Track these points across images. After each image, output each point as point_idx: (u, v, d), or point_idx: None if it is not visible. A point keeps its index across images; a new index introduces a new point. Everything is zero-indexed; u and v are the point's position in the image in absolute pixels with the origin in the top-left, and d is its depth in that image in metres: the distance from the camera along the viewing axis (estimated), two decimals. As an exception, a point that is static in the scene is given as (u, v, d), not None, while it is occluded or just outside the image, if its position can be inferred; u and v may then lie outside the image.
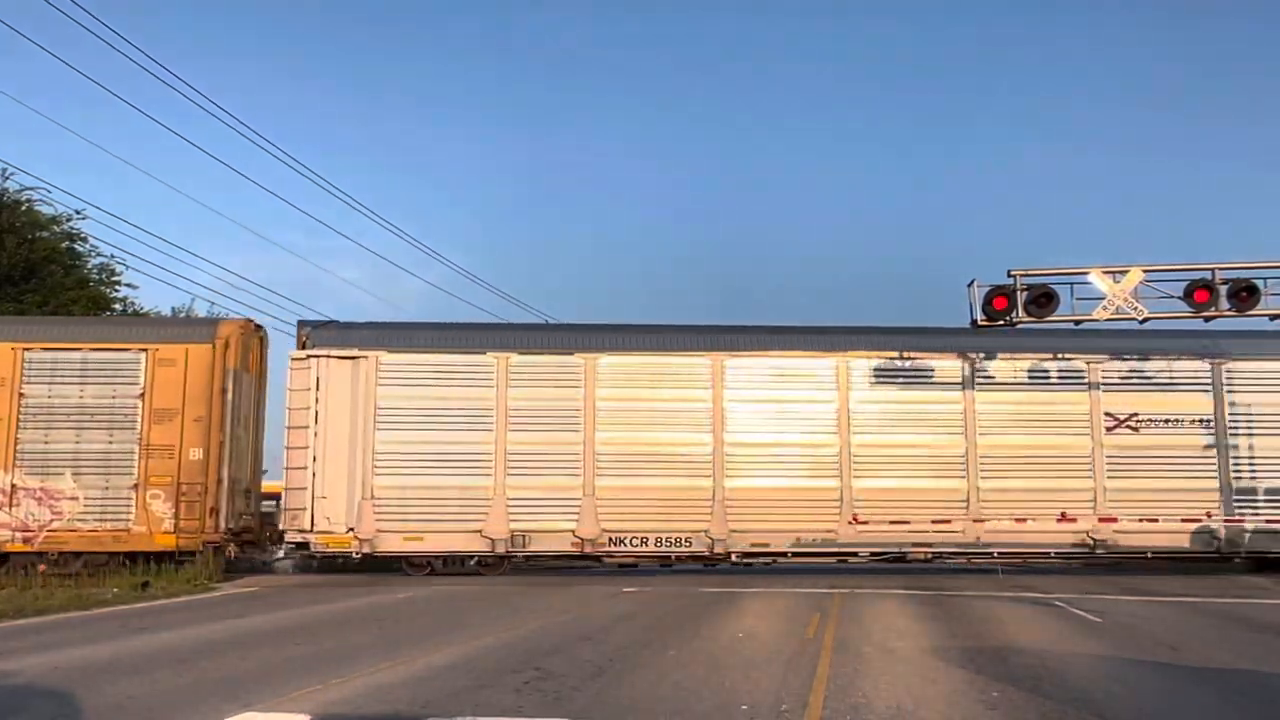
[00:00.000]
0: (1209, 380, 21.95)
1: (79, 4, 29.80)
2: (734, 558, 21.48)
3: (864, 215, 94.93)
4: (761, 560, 21.94)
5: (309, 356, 21.41)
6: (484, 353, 21.68)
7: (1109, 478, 21.55)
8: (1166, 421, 21.81)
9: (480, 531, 20.99)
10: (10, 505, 20.31)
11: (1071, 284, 20.31)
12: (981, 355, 22.08)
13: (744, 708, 7.37)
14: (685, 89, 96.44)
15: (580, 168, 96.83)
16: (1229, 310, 19.80)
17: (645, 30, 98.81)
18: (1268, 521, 21.39)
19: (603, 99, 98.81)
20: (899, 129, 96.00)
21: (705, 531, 21.13)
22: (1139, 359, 22.14)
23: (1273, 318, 20.33)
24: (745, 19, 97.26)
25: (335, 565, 23.66)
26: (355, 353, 21.47)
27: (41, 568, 19.32)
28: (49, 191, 37.48)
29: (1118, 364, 22.11)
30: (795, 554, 21.36)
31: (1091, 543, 21.28)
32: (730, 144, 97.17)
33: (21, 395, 20.74)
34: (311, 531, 20.78)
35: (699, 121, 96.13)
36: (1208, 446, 21.67)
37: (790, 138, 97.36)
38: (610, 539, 21.06)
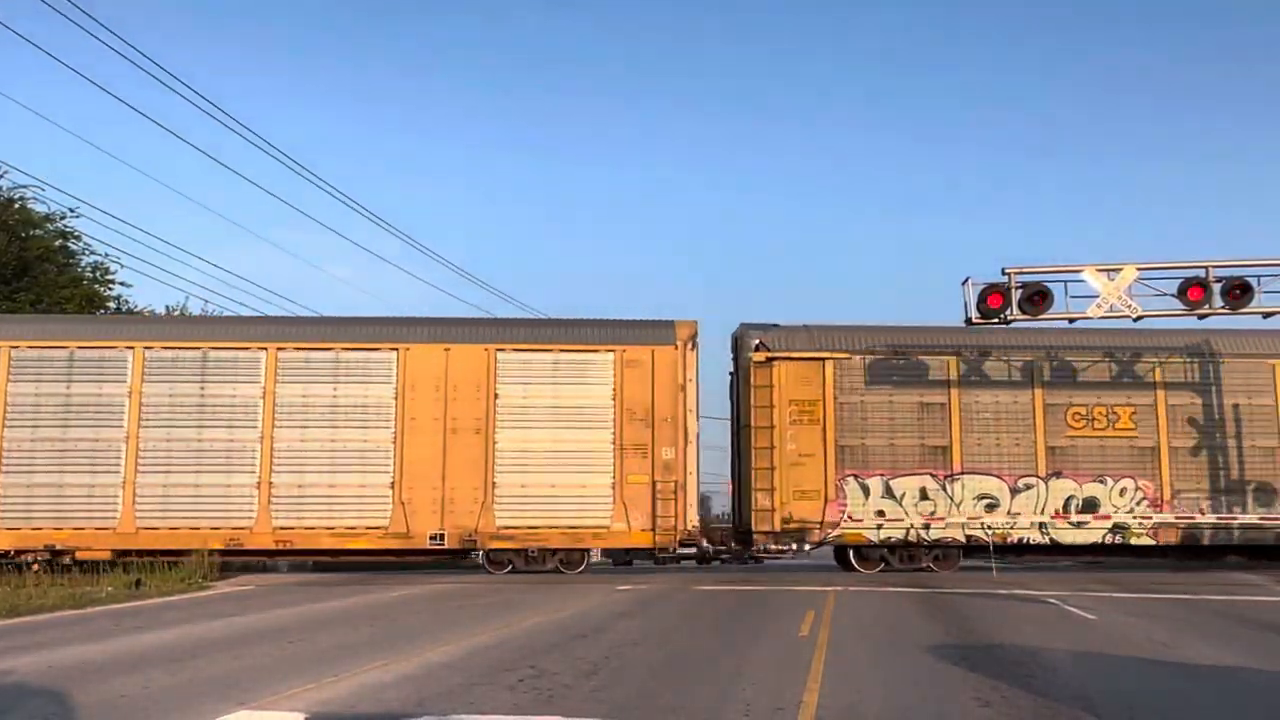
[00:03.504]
0: None
1: (73, 1, 29.73)
2: None
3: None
4: None
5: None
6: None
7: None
8: None
9: None
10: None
11: (1065, 282, 20.39)
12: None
13: (739, 706, 7.37)
14: (685, 88, 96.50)
15: (577, 166, 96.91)
16: (1223, 308, 19.87)
17: (645, 28, 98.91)
18: None
19: (603, 96, 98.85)
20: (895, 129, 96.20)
21: None
22: None
23: (1266, 315, 20.39)
24: (747, 19, 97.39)
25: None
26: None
27: (35, 566, 19.28)
28: (42, 189, 37.42)
29: None
30: None
31: None
32: (726, 146, 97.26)
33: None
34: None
35: (698, 120, 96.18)
36: None
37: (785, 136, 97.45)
38: None
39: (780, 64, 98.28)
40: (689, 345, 21.95)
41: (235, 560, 22.50)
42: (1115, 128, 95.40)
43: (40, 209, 31.09)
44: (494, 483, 21.28)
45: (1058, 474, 22.07)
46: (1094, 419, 22.29)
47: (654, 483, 21.24)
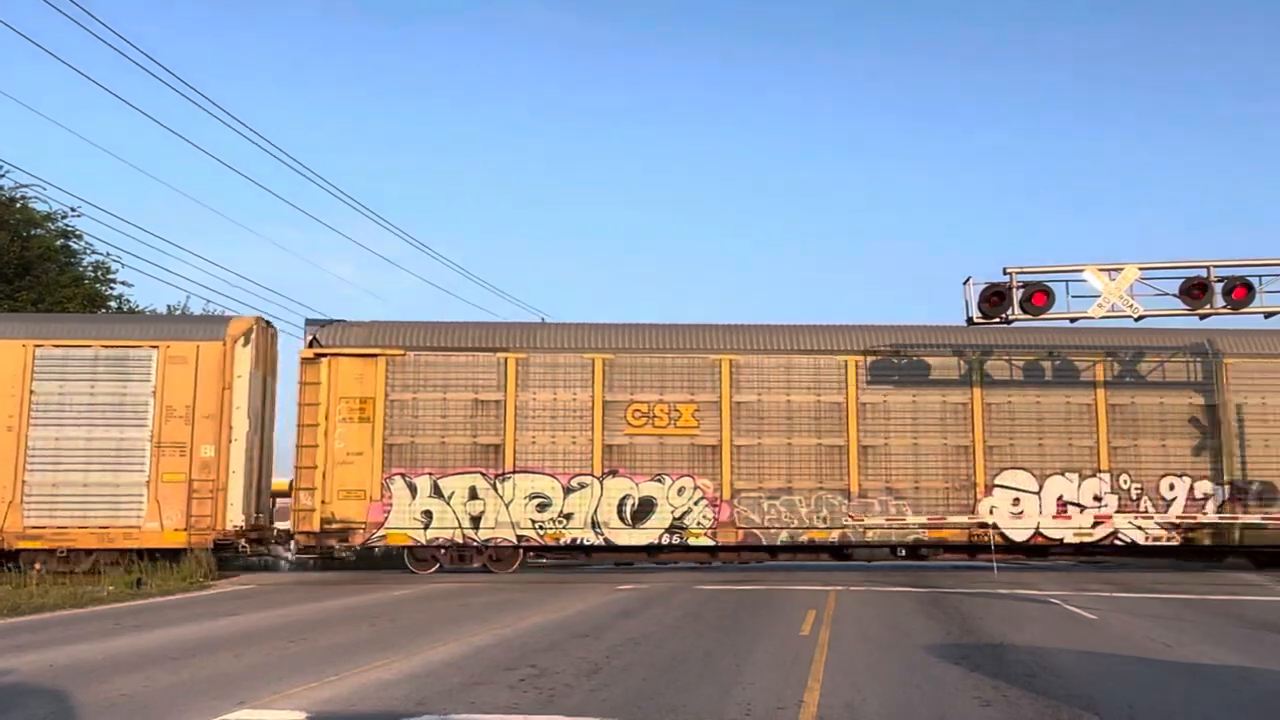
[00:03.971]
0: None
1: (75, 1, 29.76)
2: None
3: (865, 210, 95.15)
4: None
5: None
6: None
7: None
8: None
9: None
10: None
11: (1067, 281, 20.40)
12: None
13: (741, 705, 7.37)
14: (681, 85, 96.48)
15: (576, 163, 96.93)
16: (1224, 308, 19.87)
17: (644, 26, 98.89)
18: None
19: (601, 95, 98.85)
20: (896, 127, 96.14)
21: None
22: None
23: (1268, 315, 20.39)
24: (741, 14, 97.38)
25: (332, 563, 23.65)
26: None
27: (36, 565, 19.35)
28: (44, 189, 37.44)
29: None
30: None
31: None
32: (725, 142, 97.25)
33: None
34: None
35: (695, 116, 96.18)
36: None
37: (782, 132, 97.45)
38: None
39: (776, 53, 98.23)
40: (240, 342, 21.50)
41: (237, 560, 22.54)
42: (1114, 123, 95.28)
43: (41, 208, 31.18)
44: (24, 480, 20.76)
45: (614, 473, 21.68)
46: (655, 416, 21.88)
47: (191, 481, 20.78)
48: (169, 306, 36.16)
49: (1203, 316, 20.26)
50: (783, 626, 12.23)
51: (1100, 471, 22.05)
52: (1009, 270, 20.28)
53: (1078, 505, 21.94)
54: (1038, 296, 20.14)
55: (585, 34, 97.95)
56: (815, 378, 22.24)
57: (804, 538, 21.76)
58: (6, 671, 9.06)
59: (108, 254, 32.95)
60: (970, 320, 20.63)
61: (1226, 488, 21.94)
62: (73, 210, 31.24)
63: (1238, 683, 8.55)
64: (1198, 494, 21.97)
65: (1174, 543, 21.90)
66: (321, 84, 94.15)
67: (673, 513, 21.57)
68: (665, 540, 21.62)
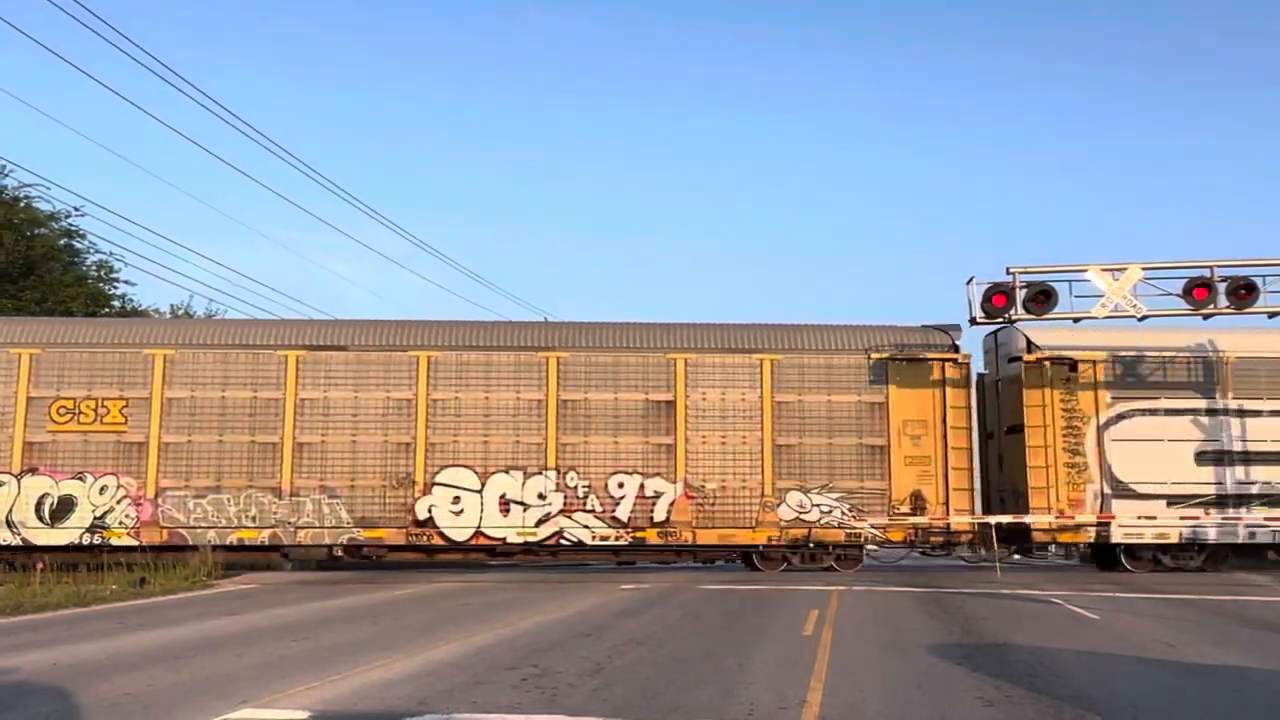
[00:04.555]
0: None
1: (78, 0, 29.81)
2: None
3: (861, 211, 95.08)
4: None
5: None
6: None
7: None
8: None
9: None
10: None
11: (1070, 281, 20.39)
12: None
13: (743, 705, 7.38)
14: (680, 82, 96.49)
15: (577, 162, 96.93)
16: (1227, 308, 19.86)
17: (642, 24, 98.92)
18: None
19: (601, 96, 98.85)
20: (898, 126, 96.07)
21: None
22: None
23: (1271, 315, 20.38)
24: (742, 12, 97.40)
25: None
26: None
27: (40, 565, 19.37)
28: (48, 188, 37.49)
29: None
30: None
31: None
32: (726, 141, 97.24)
33: None
34: None
35: (693, 115, 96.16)
36: None
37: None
38: None
39: (778, 58, 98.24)
40: None
41: (239, 559, 22.49)
42: (1118, 124, 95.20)
43: (45, 208, 31.25)
44: None
45: (33, 470, 21.01)
46: (81, 413, 21.29)
47: None
48: (172, 306, 36.26)
49: (1206, 317, 20.27)
50: (785, 626, 12.23)
51: (547, 469, 21.43)
52: (1012, 270, 20.28)
53: (521, 504, 21.33)
54: (1040, 297, 20.14)
55: (584, 31, 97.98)
56: (253, 373, 21.62)
57: (232, 538, 21.20)
58: (10, 670, 9.08)
59: (111, 253, 33.05)
60: (973, 320, 20.61)
61: (680, 485, 21.43)
62: (76, 210, 31.37)
63: (1239, 683, 8.55)
64: (649, 492, 21.39)
65: (623, 542, 21.41)
66: (322, 83, 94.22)
67: (94, 512, 21.04)
68: (86, 540, 21.00)
